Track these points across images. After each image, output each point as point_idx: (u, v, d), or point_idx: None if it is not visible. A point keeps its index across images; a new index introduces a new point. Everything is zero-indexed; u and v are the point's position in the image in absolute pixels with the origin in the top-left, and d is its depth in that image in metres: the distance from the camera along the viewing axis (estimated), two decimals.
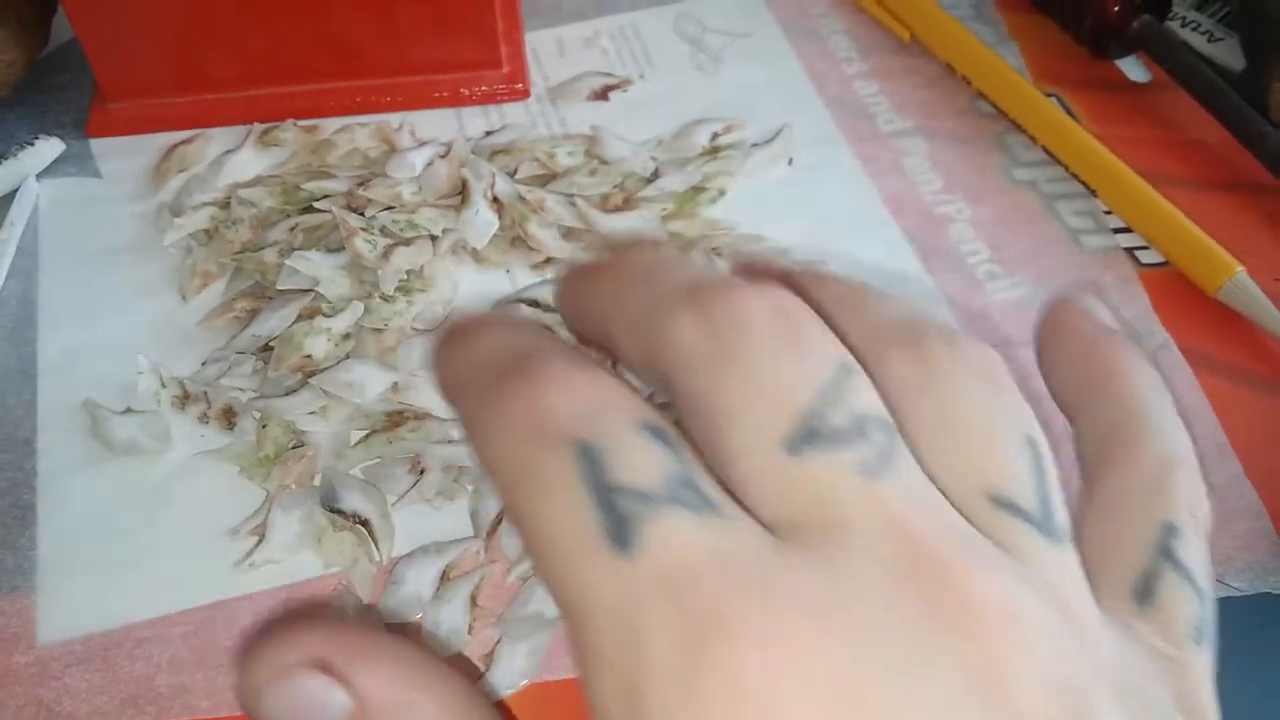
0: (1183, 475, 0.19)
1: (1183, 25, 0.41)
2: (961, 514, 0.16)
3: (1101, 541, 0.18)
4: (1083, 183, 0.35)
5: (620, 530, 0.15)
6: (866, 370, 0.17)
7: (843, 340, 0.18)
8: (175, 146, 0.35)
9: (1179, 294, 0.32)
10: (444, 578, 0.26)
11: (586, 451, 0.15)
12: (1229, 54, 0.40)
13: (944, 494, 0.16)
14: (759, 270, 0.22)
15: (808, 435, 0.15)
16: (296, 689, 0.16)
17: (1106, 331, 0.22)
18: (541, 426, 0.16)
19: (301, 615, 0.24)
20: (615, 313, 0.18)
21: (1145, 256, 0.33)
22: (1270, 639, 0.26)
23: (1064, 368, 0.22)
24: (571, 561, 0.15)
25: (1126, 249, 0.33)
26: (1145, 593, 0.18)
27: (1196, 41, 0.40)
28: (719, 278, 0.17)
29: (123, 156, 0.35)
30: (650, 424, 0.16)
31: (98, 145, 0.36)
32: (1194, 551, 0.18)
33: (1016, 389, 0.18)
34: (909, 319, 0.18)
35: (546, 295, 0.31)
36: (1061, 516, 0.17)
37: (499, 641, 0.25)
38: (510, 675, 0.25)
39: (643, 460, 0.15)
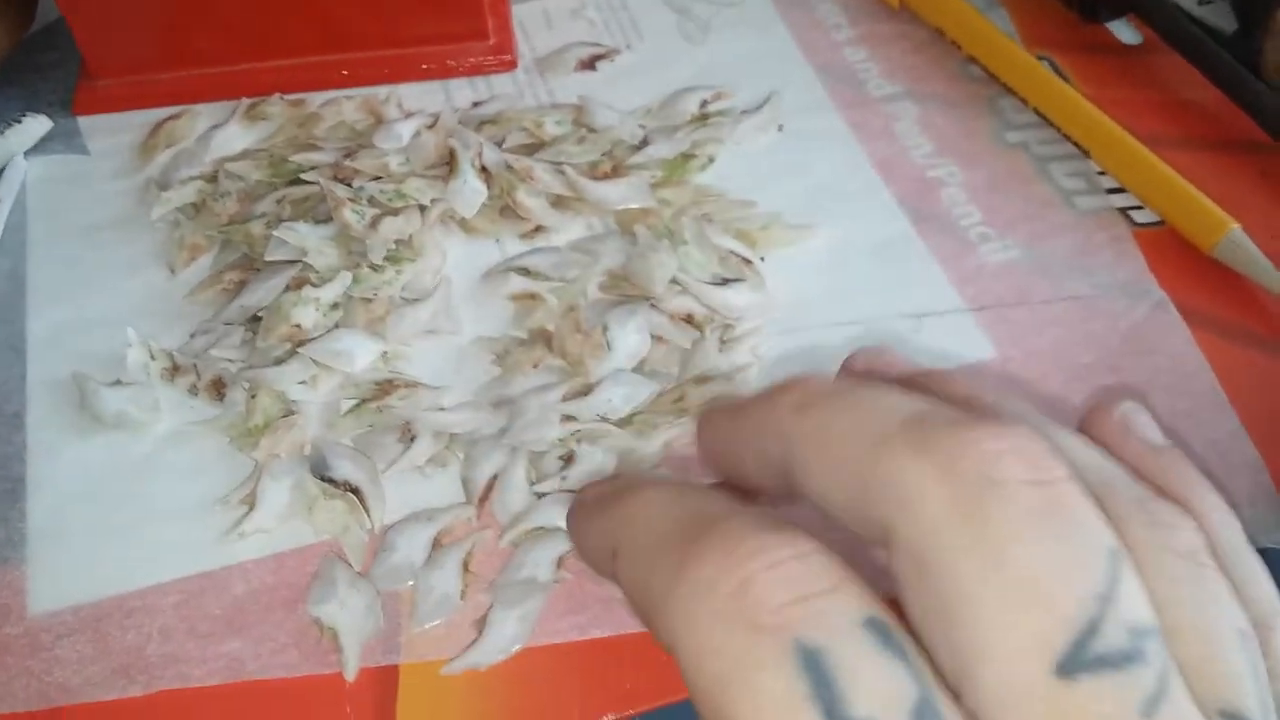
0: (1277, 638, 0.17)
1: None
2: None
3: None
4: (1075, 144, 0.34)
5: None
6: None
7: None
8: (162, 122, 0.35)
9: (1174, 253, 0.32)
10: (435, 544, 0.26)
11: (811, 660, 0.13)
12: (1220, 15, 0.39)
13: None
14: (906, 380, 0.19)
15: (1085, 656, 0.13)
16: None
17: (1156, 453, 0.19)
18: (753, 614, 0.14)
19: None
20: (803, 442, 0.16)
21: (1139, 216, 0.33)
22: None
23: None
24: None
25: (1120, 209, 0.33)
26: None
27: (1187, 3, 0.40)
28: (940, 407, 0.15)
29: (110, 133, 0.35)
30: (876, 621, 0.14)
31: (85, 123, 0.36)
32: None
33: (1216, 564, 0.16)
34: (1123, 473, 0.16)
35: (537, 264, 0.31)
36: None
37: (491, 608, 0.25)
38: (502, 641, 0.25)
39: (878, 679, 0.13)
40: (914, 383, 0.19)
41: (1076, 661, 0.13)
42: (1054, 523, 0.14)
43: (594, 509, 0.18)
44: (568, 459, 0.27)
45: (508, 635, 0.25)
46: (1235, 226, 0.31)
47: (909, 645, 0.14)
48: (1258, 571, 0.18)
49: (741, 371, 0.29)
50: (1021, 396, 0.19)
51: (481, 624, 0.25)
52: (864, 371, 0.20)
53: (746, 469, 0.18)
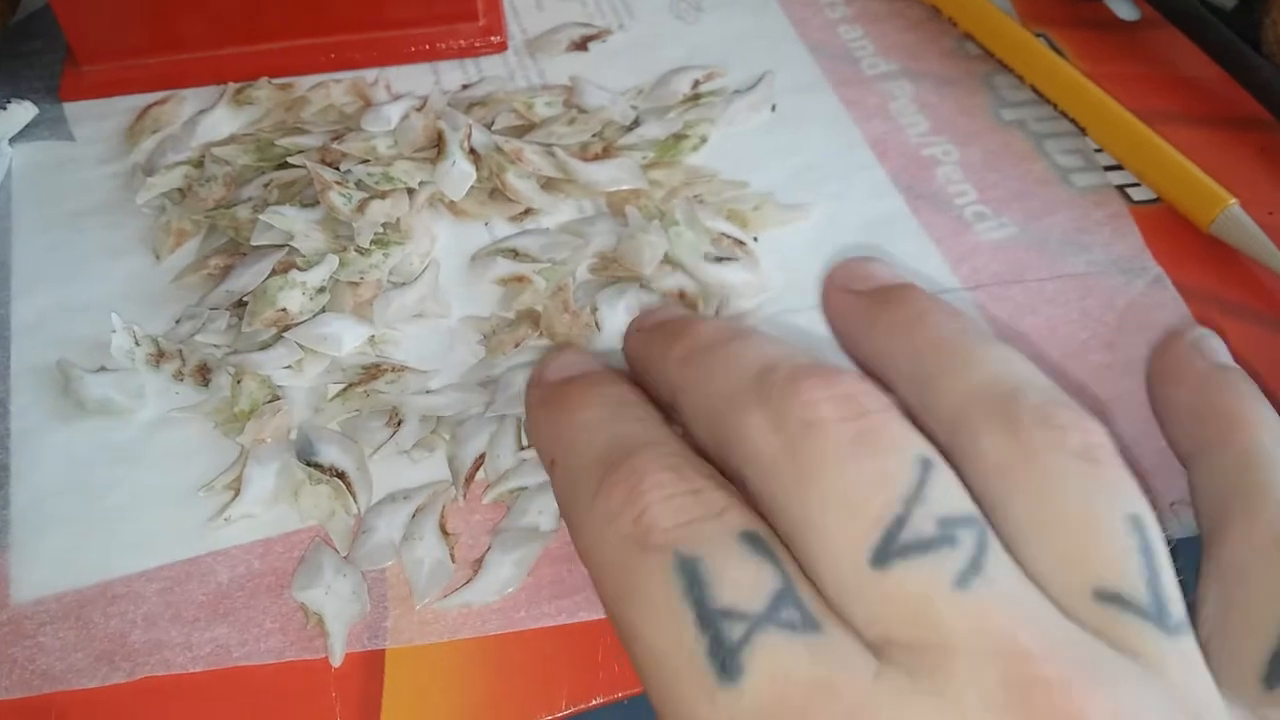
0: None
1: None
2: (1067, 615, 0.15)
3: (1224, 619, 0.18)
4: (1072, 121, 0.34)
5: (724, 658, 0.15)
6: (953, 455, 0.17)
7: (929, 417, 0.18)
8: (149, 108, 0.35)
9: (1172, 229, 0.32)
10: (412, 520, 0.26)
11: (687, 565, 0.16)
12: None
13: (1046, 593, 0.15)
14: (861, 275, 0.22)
15: (894, 546, 0.15)
16: None
17: (1222, 371, 0.21)
18: (644, 535, 0.16)
19: None
20: (684, 392, 0.19)
21: (1137, 194, 0.33)
22: None
23: (1179, 413, 0.21)
24: (677, 687, 0.15)
25: (1118, 186, 0.33)
26: (1275, 675, 0.17)
27: None
28: (787, 362, 0.17)
29: (96, 119, 0.35)
30: (750, 533, 0.16)
31: (71, 109, 0.35)
32: None
33: (1119, 462, 0.17)
34: (1000, 386, 0.18)
35: (526, 245, 0.31)
36: (1177, 604, 0.15)
37: (489, 549, 0.25)
38: (496, 583, 0.25)
39: (743, 575, 0.16)
40: (880, 296, 0.21)
41: (886, 552, 0.15)
42: (862, 448, 0.16)
43: (541, 410, 0.21)
44: None
45: (503, 578, 0.25)
46: (1233, 203, 0.30)
47: (781, 551, 0.16)
48: None
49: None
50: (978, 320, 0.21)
51: (478, 564, 0.25)
52: (840, 286, 0.22)
53: (655, 397, 0.21)
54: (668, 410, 0.20)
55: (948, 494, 0.16)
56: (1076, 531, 0.16)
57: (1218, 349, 0.22)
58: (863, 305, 0.21)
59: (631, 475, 0.17)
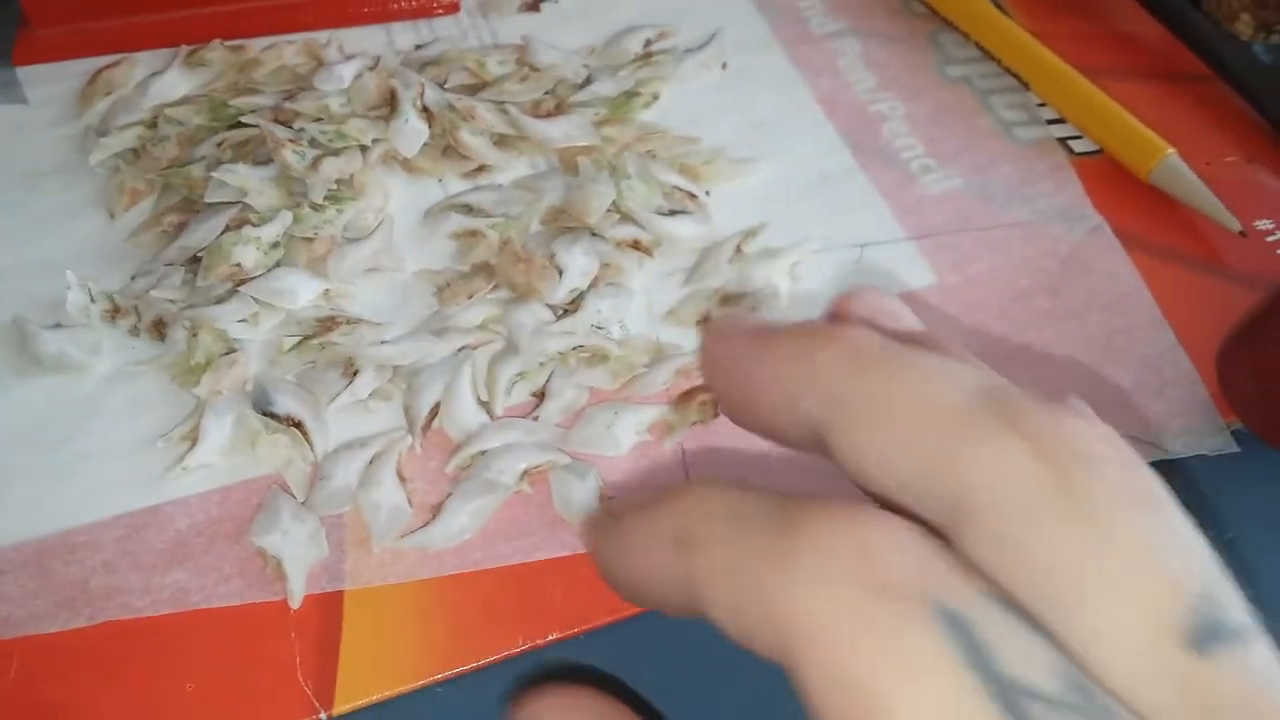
0: None
1: None
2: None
3: None
4: (1015, 76, 0.35)
5: None
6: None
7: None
8: (101, 70, 0.35)
9: (1112, 179, 0.32)
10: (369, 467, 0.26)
11: (955, 621, 0.13)
12: None
13: None
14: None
15: (1210, 626, 0.13)
16: None
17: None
18: (884, 579, 0.13)
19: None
20: (858, 406, 0.15)
21: (1078, 146, 0.33)
22: (1204, 499, 0.26)
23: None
24: None
25: (1060, 139, 0.33)
26: None
27: None
28: (1010, 386, 0.15)
29: (49, 83, 0.35)
30: (996, 595, 0.13)
31: (24, 73, 0.35)
32: None
33: None
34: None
35: (479, 200, 0.31)
36: None
37: (449, 496, 0.26)
38: (452, 529, 0.25)
39: (1022, 645, 0.13)
40: (910, 342, 0.17)
41: (1204, 633, 0.13)
42: (1151, 500, 0.13)
43: (633, 512, 0.17)
44: (540, 394, 0.28)
45: (459, 525, 0.25)
46: (1171, 152, 0.31)
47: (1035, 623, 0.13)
48: None
49: (774, 293, 0.29)
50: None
51: (437, 509, 0.26)
52: (864, 320, 0.19)
53: (761, 412, 0.17)
54: (796, 436, 0.17)
55: (1231, 584, 0.13)
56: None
57: (897, 311, 0.19)
58: None
59: (834, 511, 0.14)
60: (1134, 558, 0.13)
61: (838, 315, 0.19)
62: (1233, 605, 0.13)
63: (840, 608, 0.13)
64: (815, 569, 0.13)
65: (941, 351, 0.17)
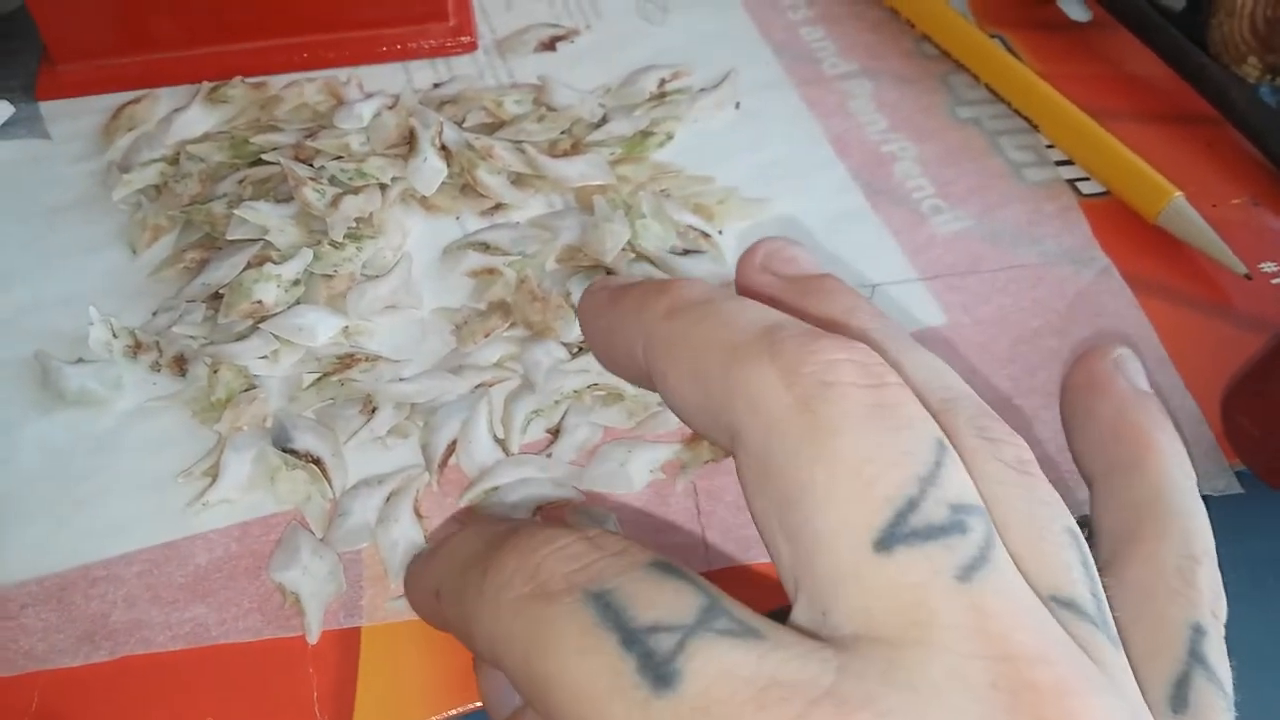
0: (1205, 571, 0.18)
1: None
2: None
3: (1133, 641, 0.17)
4: (1025, 118, 0.35)
5: (656, 669, 0.14)
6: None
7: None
8: (124, 106, 0.35)
9: (1120, 221, 0.33)
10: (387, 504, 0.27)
11: (597, 598, 0.15)
12: None
13: None
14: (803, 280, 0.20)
15: (902, 530, 0.14)
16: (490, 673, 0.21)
17: (1138, 396, 0.21)
18: (545, 584, 0.15)
19: None
20: (668, 345, 0.17)
21: (1086, 187, 0.34)
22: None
23: (1092, 430, 0.20)
24: (609, 711, 0.14)
25: (1068, 180, 0.34)
26: (1180, 699, 0.17)
27: None
28: (795, 323, 0.16)
29: (72, 118, 0.35)
30: (660, 561, 0.15)
31: (47, 108, 0.36)
32: (1220, 654, 0.18)
33: (1044, 477, 0.17)
34: (931, 395, 0.17)
35: (496, 239, 0.31)
36: (1110, 614, 0.16)
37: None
38: None
39: (662, 596, 0.15)
40: (808, 287, 0.20)
41: (894, 536, 0.14)
42: (881, 417, 0.15)
43: (417, 567, 0.20)
44: (555, 432, 0.28)
45: None
46: (1178, 195, 0.32)
47: (698, 577, 0.15)
48: (1193, 511, 0.19)
49: None
50: (897, 322, 0.20)
51: None
52: (761, 266, 0.21)
53: (615, 357, 0.19)
54: (638, 377, 0.19)
55: (960, 480, 0.15)
56: (1028, 540, 0.15)
57: (1138, 371, 0.21)
58: (786, 290, 0.20)
59: (519, 541, 0.16)
60: (845, 473, 0.14)
61: (741, 266, 0.21)
62: (937, 507, 0.14)
63: (512, 622, 0.15)
64: (494, 595, 0.16)
65: (827, 294, 0.19)
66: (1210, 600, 0.18)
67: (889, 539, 0.14)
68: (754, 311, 0.17)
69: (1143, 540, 0.19)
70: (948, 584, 0.14)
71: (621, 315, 0.19)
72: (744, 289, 0.21)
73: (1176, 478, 0.20)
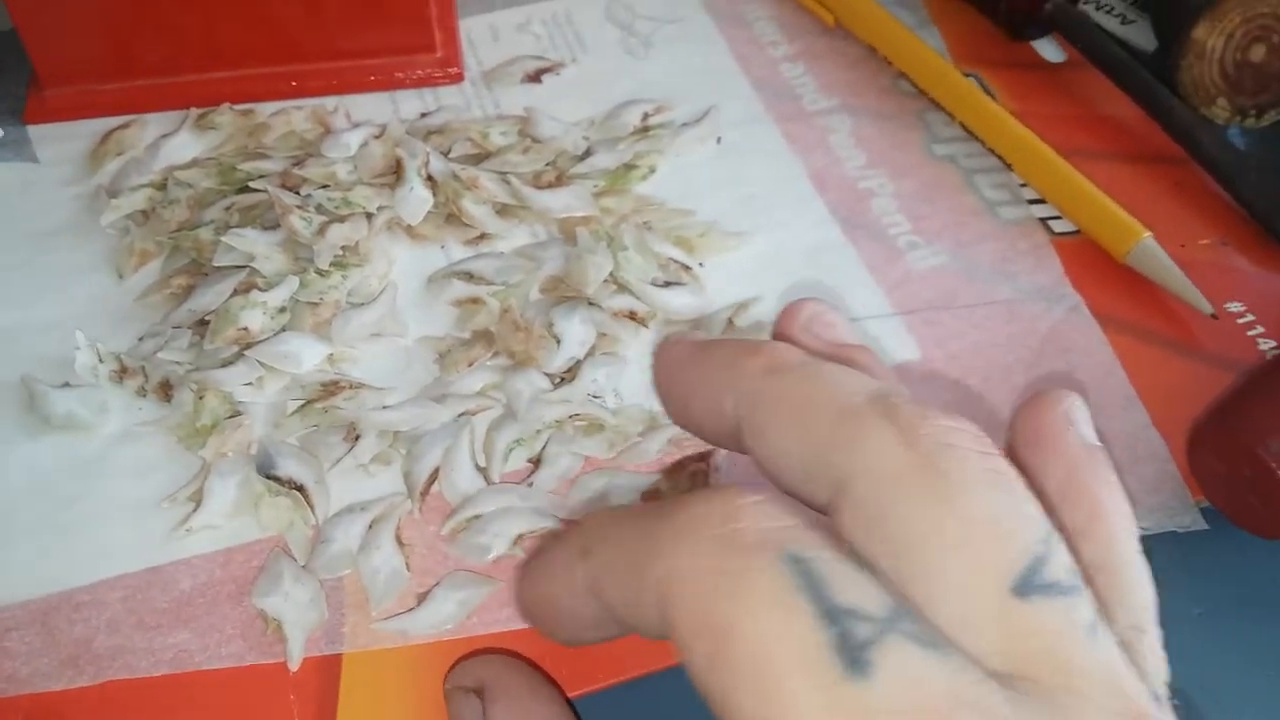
0: (1150, 641, 0.18)
1: (1097, 9, 0.42)
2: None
3: None
4: (999, 157, 0.36)
5: (852, 653, 0.14)
6: None
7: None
8: (112, 131, 0.36)
9: (1091, 260, 0.34)
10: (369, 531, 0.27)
11: (799, 562, 0.15)
12: (1141, 35, 0.41)
13: None
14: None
15: (1036, 580, 0.15)
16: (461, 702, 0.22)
17: (1088, 454, 0.22)
18: (743, 534, 0.15)
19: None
20: (767, 401, 0.18)
21: (1058, 226, 0.35)
22: (1175, 576, 0.27)
23: (1042, 479, 0.21)
24: (790, 680, 0.14)
25: (1041, 219, 0.35)
26: None
27: (1110, 24, 0.42)
28: (901, 392, 0.17)
29: (60, 142, 0.36)
30: (847, 551, 0.15)
31: (35, 132, 0.36)
32: None
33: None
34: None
35: (481, 268, 0.32)
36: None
37: (436, 584, 0.26)
38: (436, 618, 0.26)
39: (858, 581, 0.15)
40: (843, 355, 0.21)
41: (1029, 585, 0.15)
42: (1000, 482, 0.16)
43: (550, 542, 0.20)
44: (536, 461, 0.28)
45: (443, 614, 0.26)
46: (1147, 235, 0.32)
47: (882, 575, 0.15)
48: (1142, 580, 0.20)
49: None
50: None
51: (423, 597, 0.26)
52: (803, 326, 0.22)
53: (693, 410, 0.20)
54: (719, 430, 0.19)
55: (1066, 551, 0.16)
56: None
57: (1086, 421, 0.22)
58: (828, 354, 0.21)
59: (709, 492, 0.16)
60: (976, 524, 0.15)
61: (782, 321, 0.22)
62: (1061, 569, 0.15)
63: (699, 559, 0.15)
64: (679, 534, 0.16)
65: (863, 366, 0.20)
66: (1154, 670, 0.19)
67: (1026, 587, 0.15)
68: (860, 377, 0.17)
69: None
70: (1082, 638, 0.15)
71: (708, 371, 0.19)
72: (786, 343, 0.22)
73: (1123, 545, 0.20)
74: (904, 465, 0.16)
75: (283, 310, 0.30)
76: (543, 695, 0.23)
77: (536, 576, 0.20)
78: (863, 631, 0.14)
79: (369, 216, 0.32)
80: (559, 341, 0.30)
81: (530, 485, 0.28)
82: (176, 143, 0.35)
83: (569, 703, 0.23)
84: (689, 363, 0.20)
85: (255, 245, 0.31)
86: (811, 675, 0.14)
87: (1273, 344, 0.31)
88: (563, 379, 0.30)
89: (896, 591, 0.15)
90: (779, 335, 0.22)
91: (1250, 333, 0.32)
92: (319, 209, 0.32)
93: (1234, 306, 0.32)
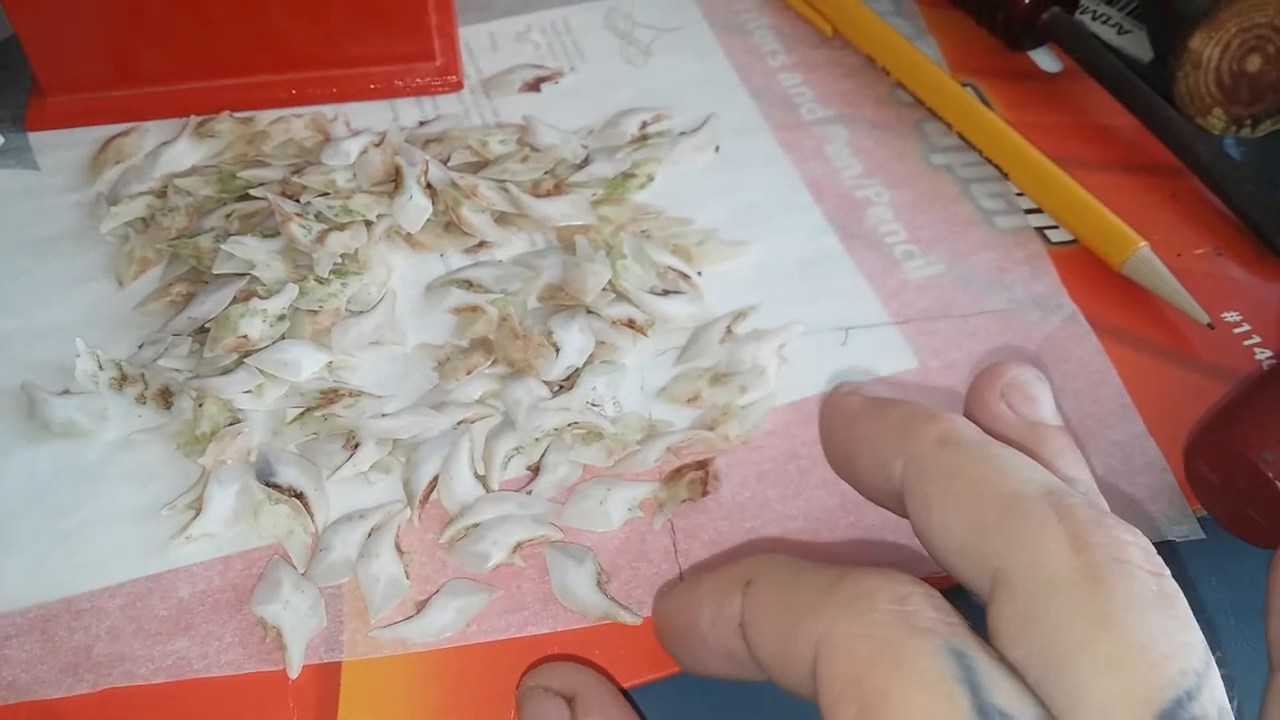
0: None
1: (1094, 19, 0.43)
2: None
3: (1026, 664, 0.18)
4: (995, 166, 0.36)
5: None
6: None
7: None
8: (112, 139, 0.36)
9: (1087, 269, 0.34)
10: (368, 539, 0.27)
11: (960, 655, 0.15)
12: (1137, 45, 0.41)
13: None
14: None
15: (1183, 716, 0.15)
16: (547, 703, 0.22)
17: (1029, 428, 0.21)
18: (912, 616, 0.16)
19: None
20: (937, 474, 0.18)
21: (1055, 235, 0.35)
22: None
23: None
24: None
25: (1037, 228, 0.35)
26: None
27: (1106, 34, 0.42)
28: (1074, 493, 0.17)
29: (60, 149, 0.36)
30: (1005, 661, 0.16)
31: (36, 139, 0.36)
32: None
33: None
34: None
35: (479, 276, 0.32)
36: None
37: (436, 592, 0.26)
38: (434, 626, 0.26)
39: (1011, 687, 0.15)
40: (1036, 435, 0.21)
41: (1174, 715, 0.15)
42: (1166, 606, 0.16)
43: (708, 572, 0.20)
44: (535, 469, 0.29)
45: (442, 622, 0.26)
46: (1143, 245, 0.33)
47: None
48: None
49: (762, 374, 0.30)
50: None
51: (422, 605, 0.26)
52: (1001, 394, 0.22)
53: (859, 465, 0.20)
54: (883, 490, 0.20)
55: (1222, 688, 0.16)
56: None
57: (1036, 395, 0.22)
58: (1021, 432, 0.21)
59: (880, 570, 0.17)
60: (1131, 647, 0.15)
61: (979, 383, 0.22)
62: (1210, 705, 0.15)
63: (868, 628, 0.16)
64: (853, 599, 0.16)
65: (1056, 450, 0.20)
66: None
67: (1170, 718, 0.15)
68: (1035, 468, 0.18)
69: None
70: None
71: (881, 430, 0.19)
72: (977, 409, 0.22)
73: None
74: (1068, 571, 0.16)
75: (282, 318, 0.30)
76: (629, 715, 0.23)
77: (687, 595, 0.21)
78: None
79: (368, 224, 0.32)
80: (558, 350, 0.30)
81: (529, 493, 0.28)
82: (176, 150, 0.35)
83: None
84: (861, 417, 0.20)
85: (255, 253, 0.31)
86: None
87: (1269, 354, 0.32)
88: (561, 387, 0.30)
89: (1044, 702, 0.15)
90: (973, 395, 0.22)
91: (1247, 342, 0.32)
92: (318, 217, 0.32)
93: (1230, 316, 0.33)
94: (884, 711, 0.15)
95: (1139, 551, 0.16)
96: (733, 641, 0.19)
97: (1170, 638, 0.15)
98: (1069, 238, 0.34)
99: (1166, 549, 0.28)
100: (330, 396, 0.29)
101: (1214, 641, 0.27)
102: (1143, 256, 0.33)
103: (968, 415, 0.21)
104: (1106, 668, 0.15)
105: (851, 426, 0.20)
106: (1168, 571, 0.16)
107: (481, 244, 0.33)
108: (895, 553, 0.27)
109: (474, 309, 0.31)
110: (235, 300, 0.30)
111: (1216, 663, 0.18)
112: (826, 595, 0.17)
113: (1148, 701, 0.15)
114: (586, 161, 0.35)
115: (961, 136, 0.37)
